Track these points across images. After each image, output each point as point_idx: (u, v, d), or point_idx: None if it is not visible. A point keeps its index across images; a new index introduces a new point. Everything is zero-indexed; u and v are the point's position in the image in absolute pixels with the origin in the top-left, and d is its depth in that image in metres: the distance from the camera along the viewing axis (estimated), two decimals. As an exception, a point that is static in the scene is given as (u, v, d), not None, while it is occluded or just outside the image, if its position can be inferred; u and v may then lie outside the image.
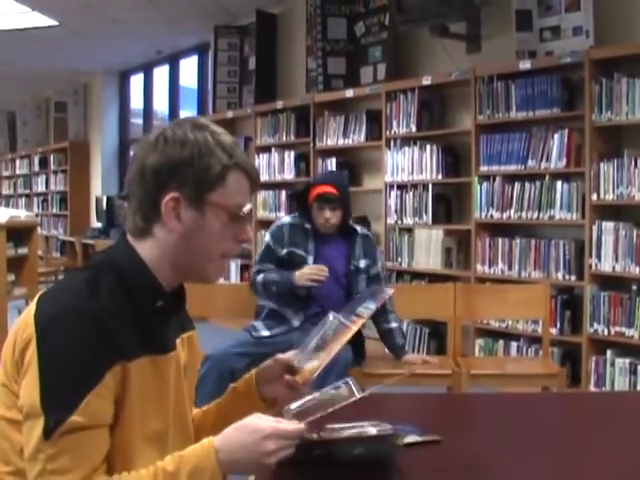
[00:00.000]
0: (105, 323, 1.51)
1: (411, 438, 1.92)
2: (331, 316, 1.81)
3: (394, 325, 4.62)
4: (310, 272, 4.41)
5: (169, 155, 1.63)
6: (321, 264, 4.47)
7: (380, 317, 4.56)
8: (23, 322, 1.54)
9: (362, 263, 4.59)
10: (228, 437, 1.57)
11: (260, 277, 4.53)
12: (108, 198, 11.69)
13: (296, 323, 4.51)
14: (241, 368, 4.20)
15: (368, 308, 1.86)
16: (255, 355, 4.15)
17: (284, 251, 4.56)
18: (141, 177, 1.66)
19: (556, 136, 5.81)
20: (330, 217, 4.49)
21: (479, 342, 6.35)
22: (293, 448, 1.58)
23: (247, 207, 1.70)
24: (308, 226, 4.59)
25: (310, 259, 4.53)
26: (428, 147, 6.83)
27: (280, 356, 1.86)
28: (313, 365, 1.79)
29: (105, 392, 1.49)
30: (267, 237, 4.68)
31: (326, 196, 4.47)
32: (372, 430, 1.82)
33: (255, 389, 1.89)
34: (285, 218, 4.81)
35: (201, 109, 11.06)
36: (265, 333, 4.52)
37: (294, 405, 1.68)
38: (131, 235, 1.69)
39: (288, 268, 4.49)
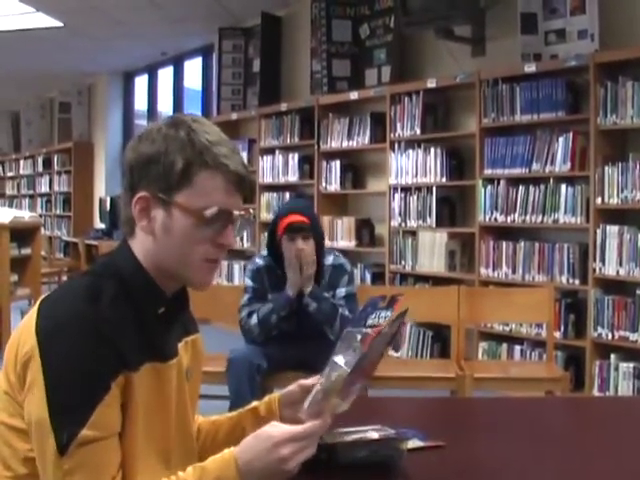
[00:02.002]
0: (107, 333, 1.48)
1: (414, 442, 1.91)
2: (359, 336, 1.71)
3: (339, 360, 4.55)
4: (294, 273, 4.24)
5: (140, 152, 1.60)
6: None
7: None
8: (24, 332, 1.51)
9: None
10: (246, 447, 1.54)
11: (254, 318, 4.35)
12: (112, 199, 11.70)
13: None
14: (265, 366, 4.25)
15: (381, 317, 1.82)
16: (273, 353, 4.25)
17: (268, 294, 4.38)
18: (123, 175, 1.65)
19: (561, 139, 5.80)
20: (303, 247, 4.16)
21: (483, 346, 6.34)
22: (314, 448, 1.54)
23: (214, 209, 1.57)
24: (279, 272, 4.34)
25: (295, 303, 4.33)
26: (432, 150, 6.83)
27: (303, 381, 1.79)
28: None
29: (113, 401, 1.48)
30: (247, 280, 4.47)
31: (296, 225, 4.15)
32: (375, 435, 1.81)
33: (277, 413, 1.83)
34: (258, 259, 4.50)
35: (205, 111, 11.06)
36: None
37: (306, 404, 1.65)
38: (124, 235, 1.67)
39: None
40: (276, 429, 1.54)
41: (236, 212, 1.63)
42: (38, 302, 1.57)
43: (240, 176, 1.61)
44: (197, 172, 1.57)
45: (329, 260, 4.38)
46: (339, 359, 1.63)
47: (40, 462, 1.47)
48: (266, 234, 4.55)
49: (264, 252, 4.57)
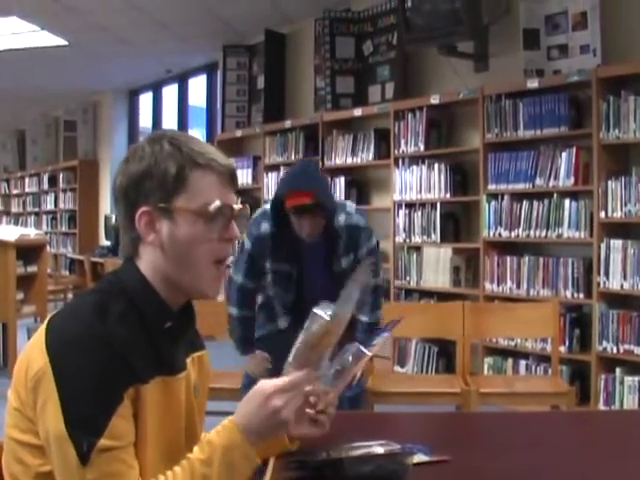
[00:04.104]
0: (117, 347, 1.50)
1: (420, 457, 1.92)
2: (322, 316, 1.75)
3: (364, 319, 4.12)
4: (255, 368, 4.12)
5: (130, 173, 1.63)
6: (307, 276, 4.07)
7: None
8: (34, 350, 1.53)
9: (344, 262, 4.06)
10: (242, 410, 1.63)
11: (234, 308, 4.19)
12: (117, 217, 11.72)
13: (283, 324, 4.19)
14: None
15: (382, 337, 1.85)
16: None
17: (267, 264, 4.09)
18: (116, 201, 1.68)
19: (564, 154, 5.82)
20: (309, 227, 3.87)
21: (488, 361, 6.34)
22: (301, 397, 1.64)
23: (217, 202, 1.63)
24: (287, 234, 3.99)
25: (295, 273, 4.07)
26: (436, 166, 6.85)
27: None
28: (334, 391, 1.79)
29: (126, 412, 1.50)
30: (247, 244, 4.11)
31: (301, 207, 3.83)
32: (381, 449, 1.83)
33: None
34: (264, 226, 4.06)
35: (210, 128, 11.10)
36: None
37: (290, 358, 1.70)
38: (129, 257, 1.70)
39: (273, 280, 4.13)
40: (265, 384, 1.62)
41: (236, 206, 1.68)
42: (47, 320, 1.59)
43: (231, 169, 1.68)
44: (190, 173, 1.62)
45: (340, 221, 4.03)
46: (319, 310, 1.69)
47: (62, 475, 1.49)
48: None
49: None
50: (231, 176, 1.69)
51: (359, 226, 4.10)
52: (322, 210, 3.86)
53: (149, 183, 1.61)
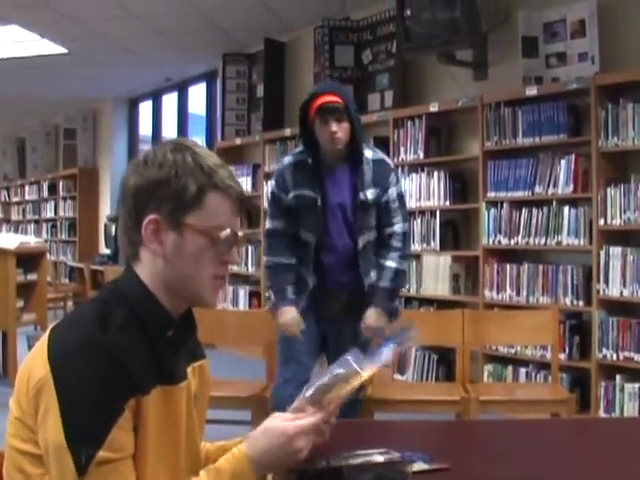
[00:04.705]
0: (118, 357, 1.51)
1: (420, 465, 1.92)
2: (351, 359, 1.76)
3: (390, 264, 4.04)
4: (287, 325, 4.03)
5: (147, 176, 1.63)
6: (332, 202, 3.96)
7: (380, 252, 4.07)
8: (36, 359, 1.53)
9: (370, 194, 3.97)
10: (257, 444, 1.63)
11: (267, 257, 4.17)
12: (118, 214, 11.70)
13: (311, 284, 4.06)
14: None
15: (389, 347, 1.84)
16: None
17: (290, 196, 4.02)
18: (124, 200, 1.67)
19: (563, 162, 5.83)
20: (337, 130, 3.82)
21: (488, 368, 6.34)
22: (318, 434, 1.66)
23: (227, 230, 1.65)
24: (310, 160, 3.99)
25: (319, 199, 3.96)
26: (436, 173, 6.86)
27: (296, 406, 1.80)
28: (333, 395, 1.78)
29: (126, 423, 1.51)
30: (272, 185, 4.16)
31: (329, 106, 3.80)
32: (381, 458, 1.83)
33: None
34: (287, 158, 4.13)
35: (210, 136, 11.11)
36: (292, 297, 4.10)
37: (308, 393, 1.70)
38: (127, 260, 1.71)
39: (300, 212, 4.01)
40: (288, 424, 1.63)
41: (240, 234, 1.71)
42: (48, 330, 1.59)
43: (243, 197, 1.71)
44: (208, 194, 1.63)
45: (368, 154, 4.00)
46: (351, 358, 1.70)
47: None
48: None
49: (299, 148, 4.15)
50: (242, 203, 1.71)
51: (388, 163, 4.11)
52: (349, 116, 3.85)
53: (164, 192, 1.62)
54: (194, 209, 1.62)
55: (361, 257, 4.02)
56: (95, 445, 1.46)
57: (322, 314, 4.13)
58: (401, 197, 4.12)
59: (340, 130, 3.83)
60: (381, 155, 4.09)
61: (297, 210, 4.04)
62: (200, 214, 1.63)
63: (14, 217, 16.82)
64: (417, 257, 7.10)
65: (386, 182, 4.01)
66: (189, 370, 1.74)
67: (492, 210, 6.33)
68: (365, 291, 4.05)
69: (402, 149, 7.17)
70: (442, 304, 6.73)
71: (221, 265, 1.68)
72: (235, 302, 9.40)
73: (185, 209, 1.62)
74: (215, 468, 1.61)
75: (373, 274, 4.04)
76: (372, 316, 4.01)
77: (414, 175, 7.06)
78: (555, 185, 5.90)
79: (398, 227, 4.05)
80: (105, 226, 12.62)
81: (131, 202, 1.65)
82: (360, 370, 1.70)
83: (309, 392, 1.69)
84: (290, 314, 4.05)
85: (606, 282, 5.52)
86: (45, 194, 15.08)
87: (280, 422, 1.65)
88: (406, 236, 4.11)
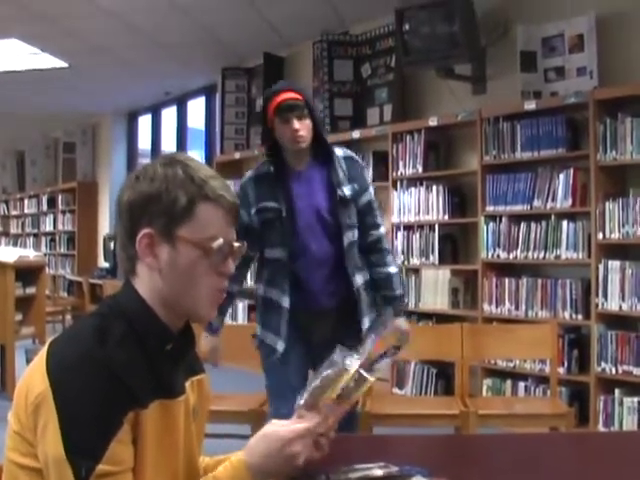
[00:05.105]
0: (117, 371, 1.51)
1: (419, 480, 1.92)
2: (337, 357, 1.77)
3: (392, 270, 3.85)
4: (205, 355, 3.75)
5: (139, 191, 1.64)
6: (300, 206, 3.64)
7: (373, 258, 3.81)
8: (35, 374, 1.54)
9: (347, 190, 3.68)
10: (254, 450, 1.64)
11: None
12: (116, 230, 11.70)
13: (286, 305, 3.68)
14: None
15: (385, 361, 1.84)
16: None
17: (252, 211, 3.67)
18: (119, 215, 1.68)
19: (561, 176, 5.84)
20: (299, 128, 3.56)
21: (487, 382, 6.33)
22: (316, 441, 1.66)
23: (220, 240, 1.65)
24: (272, 168, 3.70)
25: (283, 209, 3.63)
26: (434, 187, 6.87)
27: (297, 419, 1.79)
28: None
29: (125, 437, 1.51)
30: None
31: (288, 103, 3.55)
32: (379, 472, 1.83)
33: None
34: (249, 172, 3.84)
35: (209, 150, 11.12)
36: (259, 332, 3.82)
37: (302, 399, 1.70)
38: (126, 275, 1.71)
39: (264, 229, 3.67)
40: (284, 429, 1.64)
41: (236, 244, 1.70)
42: (47, 344, 1.59)
43: (236, 207, 1.71)
44: (199, 205, 1.63)
45: (338, 152, 3.75)
46: (338, 357, 1.70)
47: None
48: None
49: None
50: (235, 213, 1.71)
51: (358, 160, 3.85)
52: (311, 114, 3.62)
53: (156, 206, 1.62)
54: (186, 221, 1.63)
55: (347, 257, 3.68)
56: (95, 458, 1.46)
57: (311, 341, 3.75)
58: (373, 202, 3.85)
59: (303, 128, 3.57)
60: (350, 152, 3.84)
61: (260, 228, 3.68)
62: (192, 226, 1.63)
63: (13, 230, 16.82)
64: (416, 271, 7.11)
65: (363, 180, 3.78)
66: (187, 384, 1.74)
67: (491, 224, 6.34)
68: (355, 295, 3.71)
69: (401, 163, 7.18)
70: (441, 318, 6.73)
71: (218, 277, 1.68)
72: (234, 316, 9.39)
73: (177, 221, 1.62)
74: (214, 476, 1.62)
75: (359, 277, 3.71)
76: (404, 322, 3.94)
77: (413, 189, 7.07)
78: (554, 199, 5.91)
79: (383, 229, 3.86)
80: (104, 240, 12.64)
81: (126, 218, 1.66)
82: (347, 366, 1.71)
83: (303, 398, 1.70)
84: (209, 344, 3.85)
85: (605, 296, 5.53)
86: (44, 207, 15.08)
87: (277, 428, 1.66)
88: (382, 240, 3.86)
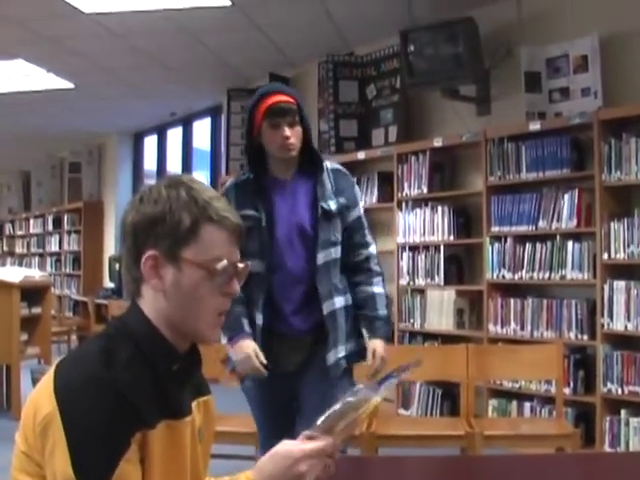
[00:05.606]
0: (124, 392, 1.52)
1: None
2: (364, 390, 1.75)
3: (377, 290, 3.47)
4: (244, 364, 3.29)
5: (143, 213, 1.65)
6: (280, 217, 3.36)
7: (358, 278, 3.47)
8: (42, 395, 1.54)
9: (333, 204, 3.38)
10: (263, 468, 1.63)
11: None
12: (121, 252, 11.72)
13: (259, 321, 3.36)
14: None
15: (391, 382, 1.84)
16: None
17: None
18: (124, 237, 1.69)
19: (566, 196, 5.85)
20: (290, 135, 3.27)
21: (492, 403, 6.32)
22: (323, 462, 1.63)
23: (225, 262, 1.65)
24: (252, 175, 3.43)
25: (263, 218, 3.34)
26: (440, 208, 6.88)
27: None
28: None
29: (133, 457, 1.51)
30: None
31: (280, 106, 3.26)
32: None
33: None
34: (230, 180, 3.59)
35: (214, 171, 11.14)
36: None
37: (319, 421, 1.70)
38: (132, 296, 1.72)
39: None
40: (294, 447, 1.62)
41: (240, 265, 1.71)
42: (54, 365, 1.60)
43: (240, 228, 1.71)
44: (203, 227, 1.64)
45: (326, 164, 3.45)
46: (360, 387, 1.70)
47: None
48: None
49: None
50: (239, 234, 1.71)
51: (347, 173, 3.54)
52: (302, 121, 3.33)
53: (160, 228, 1.63)
54: (190, 242, 1.63)
55: (319, 275, 3.33)
56: (103, 478, 1.47)
57: (283, 369, 3.37)
58: (362, 219, 3.55)
59: (293, 135, 3.28)
60: (339, 166, 3.54)
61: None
62: (196, 247, 1.64)
63: (18, 250, 16.85)
64: (421, 292, 7.11)
65: (353, 195, 3.48)
66: (194, 405, 1.75)
67: (496, 245, 6.34)
68: (325, 318, 3.34)
69: (406, 184, 7.19)
70: (446, 339, 6.73)
71: (222, 297, 1.69)
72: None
73: (181, 243, 1.63)
74: None
75: (338, 300, 3.35)
76: (380, 345, 3.37)
77: (418, 210, 7.08)
78: (559, 219, 5.91)
79: (373, 248, 3.53)
80: (109, 260, 12.64)
81: (130, 240, 1.67)
82: (370, 397, 1.70)
83: (320, 420, 1.70)
84: (249, 348, 3.29)
85: (610, 316, 5.52)
86: (50, 227, 15.12)
87: (287, 447, 1.65)
88: (372, 258, 3.53)
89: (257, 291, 3.32)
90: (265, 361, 3.27)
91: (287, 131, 3.25)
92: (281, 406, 3.41)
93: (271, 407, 3.44)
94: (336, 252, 3.39)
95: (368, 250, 3.51)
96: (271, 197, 3.38)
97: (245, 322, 3.33)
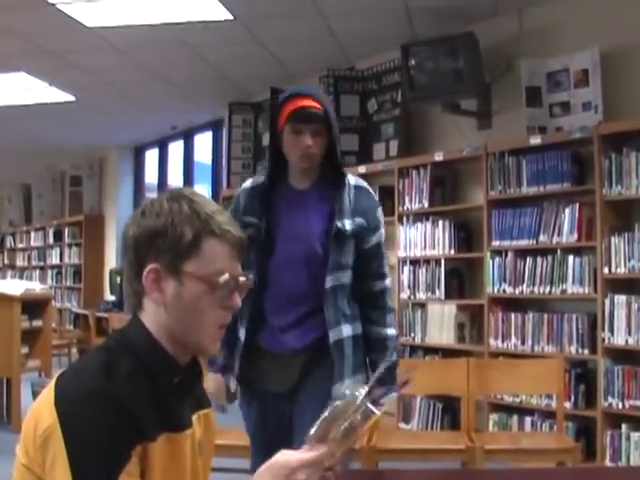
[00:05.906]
0: (124, 405, 1.51)
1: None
2: (347, 391, 1.76)
3: (391, 332, 3.19)
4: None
5: (145, 227, 1.65)
6: (286, 230, 3.12)
7: (372, 315, 3.16)
8: (43, 408, 1.54)
9: (348, 224, 3.06)
10: (260, 477, 1.60)
11: None
12: (122, 265, 11.72)
13: (242, 335, 3.14)
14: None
15: (391, 397, 1.83)
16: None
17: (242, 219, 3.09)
18: (125, 251, 1.70)
19: (567, 210, 5.85)
20: (311, 145, 3.01)
21: (493, 417, 6.30)
22: (320, 472, 1.60)
23: (226, 275, 1.65)
24: (267, 181, 3.21)
25: (262, 228, 3.11)
26: (440, 222, 6.89)
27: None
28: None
29: (133, 469, 1.51)
30: None
31: (304, 111, 3.00)
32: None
33: None
34: (246, 183, 3.38)
35: (215, 184, 11.15)
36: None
37: (312, 431, 1.69)
38: (133, 309, 1.72)
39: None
40: (291, 457, 1.59)
41: (242, 278, 1.71)
42: (55, 378, 1.60)
43: (243, 242, 1.71)
44: (205, 240, 1.64)
45: (351, 179, 3.17)
46: (346, 388, 1.70)
47: None
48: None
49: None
50: (241, 247, 1.71)
51: (372, 193, 3.25)
52: (328, 130, 3.05)
53: (162, 242, 1.63)
54: (192, 256, 1.63)
55: (328, 302, 3.05)
56: None
57: (275, 391, 3.15)
58: (381, 245, 3.22)
59: (315, 145, 3.02)
60: (363, 182, 3.23)
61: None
62: (198, 261, 1.64)
63: (19, 263, 16.85)
64: (422, 306, 7.11)
65: (374, 218, 3.16)
66: (194, 418, 1.75)
67: (497, 259, 6.34)
68: (330, 347, 3.06)
69: (407, 198, 7.19)
70: (447, 353, 6.72)
71: (224, 311, 1.69)
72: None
73: (183, 257, 1.63)
74: None
75: (346, 328, 3.07)
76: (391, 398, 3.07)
77: (419, 224, 7.08)
78: (559, 234, 5.91)
79: (389, 281, 3.23)
80: (110, 273, 12.64)
81: (132, 253, 1.67)
82: (354, 396, 1.70)
83: (312, 429, 1.70)
84: (213, 382, 3.18)
85: (611, 330, 5.51)
86: (50, 240, 15.12)
87: (284, 456, 1.62)
88: (385, 293, 3.22)
89: (243, 304, 3.01)
90: (233, 389, 3.16)
91: (309, 139, 3.00)
92: (273, 427, 3.18)
93: (263, 427, 3.23)
94: (346, 277, 3.11)
95: (384, 283, 3.19)
96: (280, 207, 3.15)
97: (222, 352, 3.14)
